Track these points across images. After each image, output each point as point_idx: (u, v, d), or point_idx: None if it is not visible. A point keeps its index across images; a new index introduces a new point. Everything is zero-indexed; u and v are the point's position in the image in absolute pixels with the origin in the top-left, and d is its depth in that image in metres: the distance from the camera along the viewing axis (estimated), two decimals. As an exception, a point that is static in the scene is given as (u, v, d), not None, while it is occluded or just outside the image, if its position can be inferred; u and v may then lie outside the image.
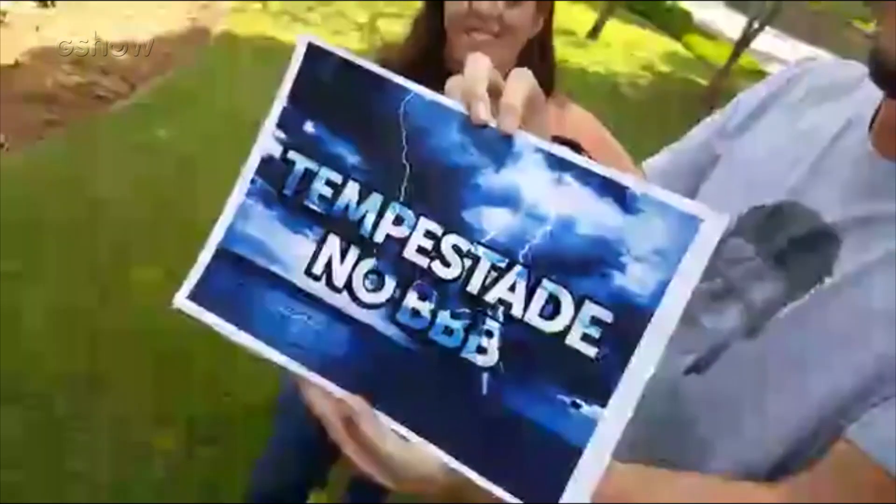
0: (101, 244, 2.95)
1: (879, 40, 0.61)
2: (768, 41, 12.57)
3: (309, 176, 0.54)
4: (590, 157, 0.99)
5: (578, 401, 0.47)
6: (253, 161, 0.56)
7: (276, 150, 0.56)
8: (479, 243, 0.50)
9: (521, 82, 0.54)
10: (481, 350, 0.49)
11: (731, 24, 13.59)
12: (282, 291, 0.53)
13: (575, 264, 0.48)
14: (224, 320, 0.54)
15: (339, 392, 0.51)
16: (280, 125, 0.56)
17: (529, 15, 1.16)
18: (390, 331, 0.51)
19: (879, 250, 0.64)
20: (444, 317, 0.50)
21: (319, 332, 0.52)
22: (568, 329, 0.48)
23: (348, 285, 0.52)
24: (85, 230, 3.01)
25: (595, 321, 0.48)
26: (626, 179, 0.50)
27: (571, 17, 11.19)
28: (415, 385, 0.50)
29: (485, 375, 0.49)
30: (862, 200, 0.66)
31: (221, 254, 0.56)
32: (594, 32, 10.41)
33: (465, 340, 0.50)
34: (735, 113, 0.86)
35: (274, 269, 0.54)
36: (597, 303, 0.48)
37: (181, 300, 0.56)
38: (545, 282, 0.49)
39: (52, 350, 2.42)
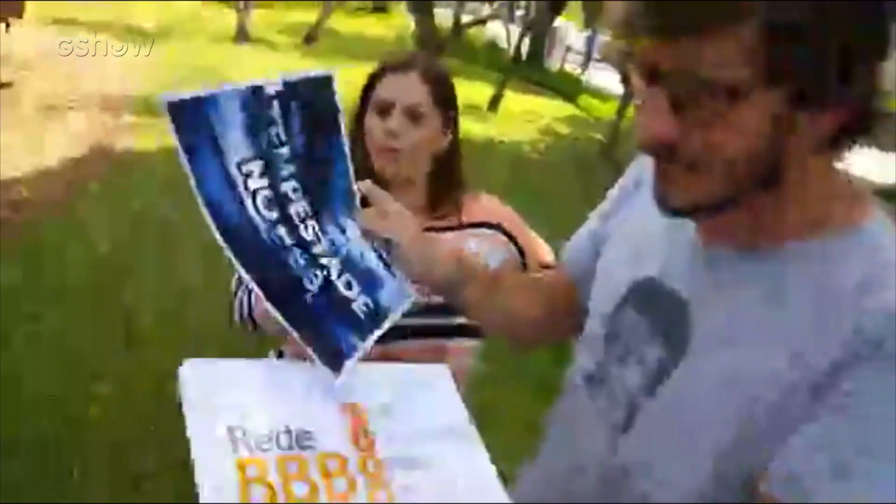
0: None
1: (656, 189, 0.76)
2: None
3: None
4: (510, 236, 1.34)
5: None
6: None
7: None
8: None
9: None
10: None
11: (617, 82, 14.45)
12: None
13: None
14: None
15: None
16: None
17: (435, 131, 1.34)
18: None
19: (722, 318, 0.77)
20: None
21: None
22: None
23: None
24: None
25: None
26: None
27: (473, 93, 11.76)
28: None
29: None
30: (700, 278, 0.80)
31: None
32: (494, 104, 10.97)
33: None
34: (616, 195, 1.01)
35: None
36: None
37: None
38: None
39: None
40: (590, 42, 18.99)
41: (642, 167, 0.94)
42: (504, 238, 1.41)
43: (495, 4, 12.25)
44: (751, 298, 0.75)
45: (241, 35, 13.83)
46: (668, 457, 0.80)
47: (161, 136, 6.45)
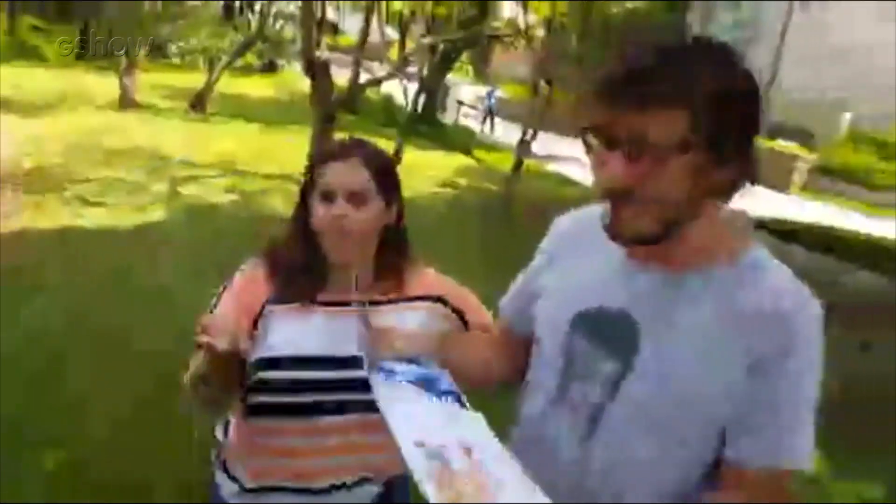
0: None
1: (611, 223, 1.00)
2: (549, 143, 13.94)
3: None
4: (454, 307, 1.45)
5: None
6: None
7: None
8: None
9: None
10: None
11: (511, 134, 14.95)
12: None
13: None
14: None
15: None
16: None
17: (379, 211, 1.38)
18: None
19: (663, 327, 1.01)
20: None
21: None
22: None
23: None
24: None
25: None
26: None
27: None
28: None
29: None
30: (640, 300, 1.04)
31: None
32: (394, 159, 11.07)
33: None
34: (545, 256, 1.24)
35: None
36: None
37: None
38: None
39: None
40: (489, 97, 19.61)
41: (559, 234, 1.24)
42: (447, 310, 1.47)
43: (383, 61, 12.47)
44: (683, 311, 1.01)
45: (127, 102, 13.46)
46: (634, 451, 1.02)
47: (46, 211, 6.17)
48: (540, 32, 10.24)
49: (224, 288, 1.43)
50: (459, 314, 1.48)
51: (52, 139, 9.12)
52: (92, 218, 6.18)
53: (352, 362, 1.33)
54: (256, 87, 19.95)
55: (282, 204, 7.86)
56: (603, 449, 1.04)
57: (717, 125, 0.92)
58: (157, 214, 6.73)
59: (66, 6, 21.56)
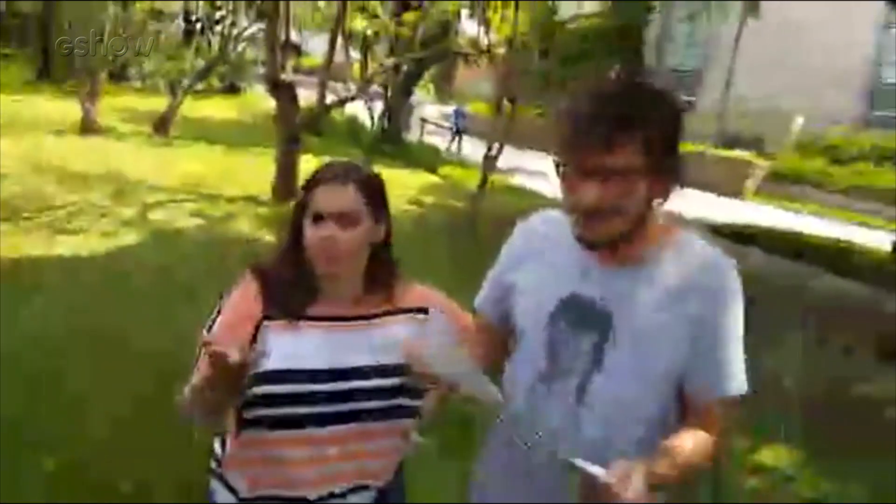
0: None
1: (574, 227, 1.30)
2: (513, 157, 14.11)
3: None
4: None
5: None
6: None
7: None
8: None
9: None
10: None
11: (476, 151, 15.11)
12: None
13: None
14: None
15: None
16: None
17: (369, 228, 1.46)
18: None
19: (629, 305, 1.31)
20: None
21: None
22: None
23: None
24: None
25: None
26: None
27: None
28: None
29: None
30: (607, 286, 1.33)
31: None
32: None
33: None
34: (515, 255, 1.49)
35: None
36: None
37: None
38: None
39: None
40: (457, 116, 19.34)
41: (528, 235, 1.50)
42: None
43: (347, 82, 12.57)
44: (643, 290, 1.31)
45: (88, 126, 13.34)
46: (618, 404, 1.31)
47: (12, 239, 6.11)
48: (501, 50, 10.45)
49: (220, 305, 1.49)
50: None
51: (12, 163, 9.01)
52: (64, 246, 6.15)
53: (347, 374, 1.42)
54: (219, 110, 19.89)
55: (247, 227, 7.91)
56: (591, 409, 1.32)
57: (662, 150, 1.23)
58: (126, 239, 6.71)
59: (26, 31, 21.33)
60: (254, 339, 1.41)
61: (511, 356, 1.47)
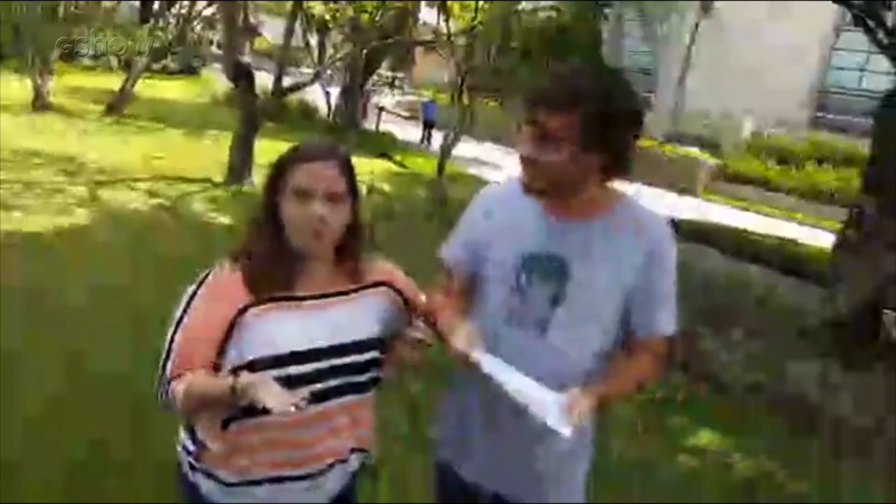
0: None
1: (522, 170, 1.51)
2: (470, 148, 14.21)
3: None
4: (398, 290, 1.69)
5: None
6: None
7: None
8: None
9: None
10: None
11: (436, 139, 15.12)
12: None
13: None
14: None
15: None
16: None
17: (349, 209, 1.50)
18: None
19: (583, 255, 1.53)
20: None
21: None
22: None
23: None
24: None
25: None
26: None
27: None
28: None
29: None
30: (563, 240, 1.55)
31: None
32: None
33: None
34: (481, 211, 1.69)
35: None
36: None
37: None
38: None
39: None
40: (428, 109, 18.55)
41: (491, 196, 1.72)
42: (393, 293, 1.65)
43: (312, 70, 12.50)
44: (595, 243, 1.53)
45: (40, 104, 13.02)
46: (574, 340, 1.55)
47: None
48: (461, 41, 10.51)
49: (192, 295, 1.47)
50: (402, 295, 1.66)
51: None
52: (7, 222, 6.04)
53: (328, 352, 1.47)
54: (175, 91, 19.54)
55: (202, 208, 7.87)
56: (550, 346, 1.56)
57: (593, 126, 1.41)
58: (75, 219, 6.62)
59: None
60: (231, 327, 1.41)
61: (478, 303, 1.66)
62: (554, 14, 13.27)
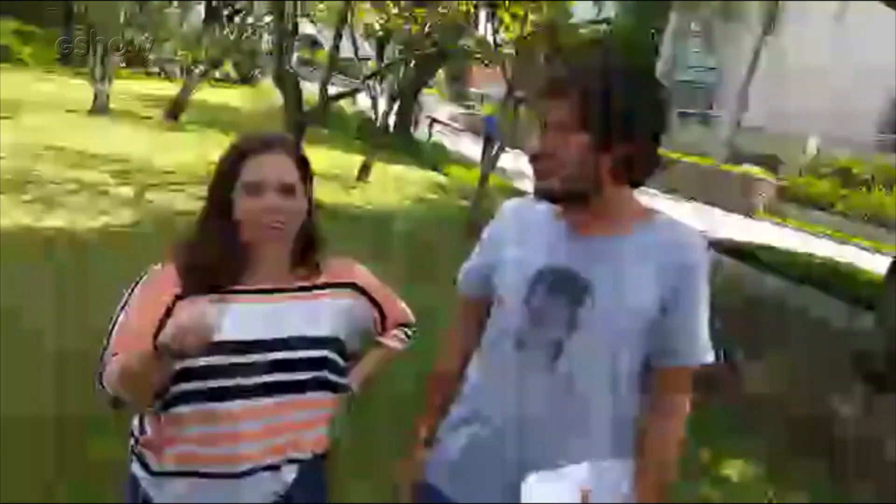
0: None
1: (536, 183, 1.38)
2: (519, 161, 14.00)
3: None
4: (364, 292, 1.61)
5: None
6: None
7: None
8: None
9: None
10: None
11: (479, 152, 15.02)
12: None
13: None
14: None
15: None
16: None
17: (303, 202, 1.45)
18: None
19: (603, 275, 1.36)
20: None
21: None
22: None
23: None
24: None
25: None
26: None
27: (343, 162, 11.87)
28: None
29: None
30: (582, 257, 1.38)
31: None
32: (364, 173, 11.15)
33: None
34: (495, 237, 1.55)
35: None
36: None
37: None
38: None
39: None
40: (490, 125, 15.82)
41: (508, 215, 1.56)
42: (357, 293, 1.58)
43: (360, 78, 12.58)
44: (616, 263, 1.36)
45: (99, 107, 13.44)
46: (589, 369, 1.37)
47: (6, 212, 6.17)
48: (507, 50, 10.39)
49: (131, 292, 1.44)
50: (367, 294, 1.60)
51: (19, 141, 9.09)
52: (52, 220, 6.19)
53: (273, 345, 1.41)
54: (233, 98, 19.98)
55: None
56: (564, 374, 1.38)
57: (604, 114, 1.28)
58: (120, 219, 6.74)
59: (43, 12, 21.50)
60: (167, 316, 1.36)
61: (490, 322, 1.53)
62: (605, 27, 13.05)
